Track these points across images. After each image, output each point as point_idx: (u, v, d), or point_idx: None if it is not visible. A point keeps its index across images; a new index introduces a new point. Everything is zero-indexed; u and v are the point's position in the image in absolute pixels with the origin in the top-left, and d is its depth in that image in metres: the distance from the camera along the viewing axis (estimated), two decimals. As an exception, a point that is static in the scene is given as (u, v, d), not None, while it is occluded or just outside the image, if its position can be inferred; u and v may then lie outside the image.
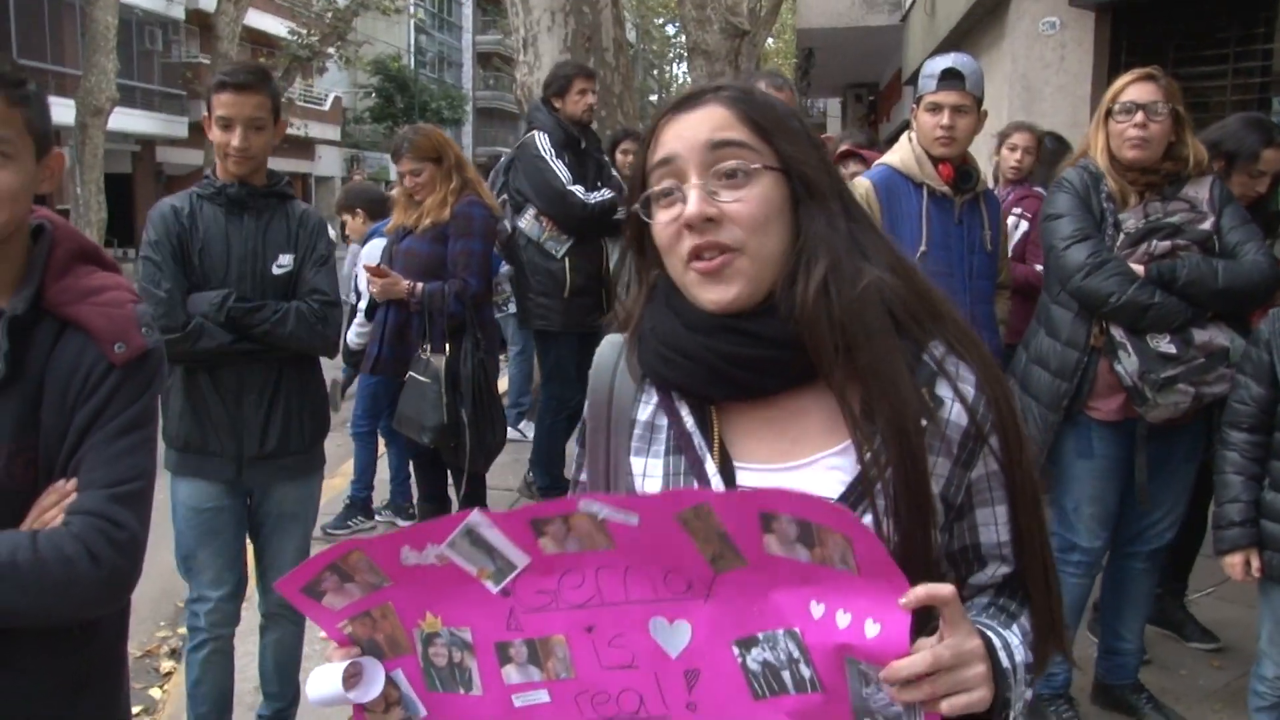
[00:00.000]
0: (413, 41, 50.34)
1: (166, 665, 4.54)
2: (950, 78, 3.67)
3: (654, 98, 54.45)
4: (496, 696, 1.26)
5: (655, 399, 1.38)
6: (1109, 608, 3.87)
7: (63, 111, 25.89)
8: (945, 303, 1.34)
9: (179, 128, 32.55)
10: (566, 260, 5.48)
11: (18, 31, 27.36)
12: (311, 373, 3.33)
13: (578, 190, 5.36)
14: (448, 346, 4.56)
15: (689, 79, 18.68)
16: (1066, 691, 3.75)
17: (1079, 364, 3.46)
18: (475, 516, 1.20)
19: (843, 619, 1.12)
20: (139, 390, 1.70)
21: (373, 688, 1.28)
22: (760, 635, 1.16)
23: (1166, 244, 3.34)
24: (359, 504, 6.12)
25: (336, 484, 6.64)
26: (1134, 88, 3.40)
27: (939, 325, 1.31)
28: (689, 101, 1.32)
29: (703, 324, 1.29)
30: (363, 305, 5.50)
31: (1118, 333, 3.37)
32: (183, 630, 4.81)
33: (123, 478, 1.65)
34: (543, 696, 1.25)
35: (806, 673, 1.14)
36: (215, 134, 3.12)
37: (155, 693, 4.30)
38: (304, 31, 31.00)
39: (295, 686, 3.54)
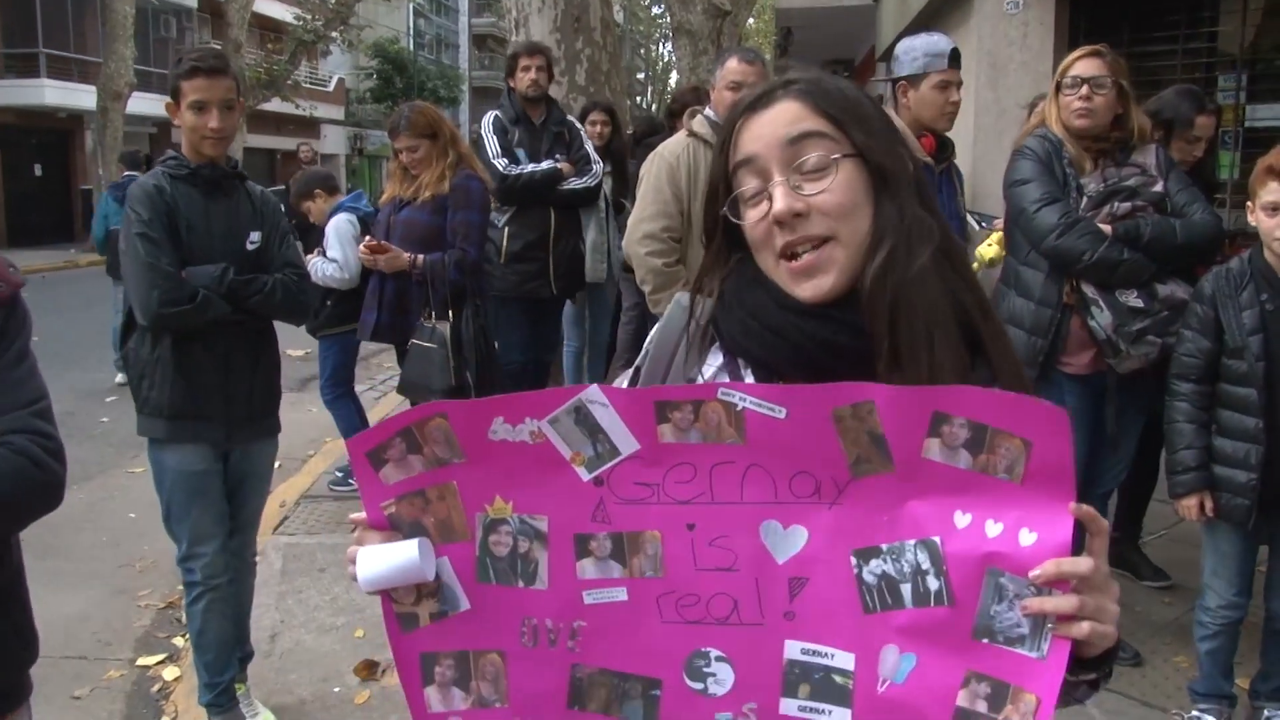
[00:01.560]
0: (411, 25, 49.79)
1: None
2: (955, 57, 3.71)
3: (641, 75, 54.07)
4: (564, 592, 1.14)
5: (719, 362, 1.30)
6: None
7: (85, 97, 25.77)
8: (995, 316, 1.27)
9: (193, 110, 32.17)
10: (506, 229, 5.44)
11: (43, 22, 27.00)
12: (275, 340, 3.39)
13: (499, 163, 5.33)
14: (450, 314, 4.54)
15: (674, 57, 18.56)
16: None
17: (1053, 321, 3.46)
18: (592, 391, 1.09)
19: (993, 529, 1.03)
20: (21, 321, 1.74)
21: (431, 568, 1.15)
22: (884, 547, 1.06)
23: (1127, 205, 3.38)
24: None
25: (341, 446, 6.61)
26: (1081, 63, 3.45)
27: (997, 346, 1.23)
28: (761, 100, 1.25)
29: (796, 304, 1.22)
30: (334, 273, 5.44)
31: (1089, 290, 3.39)
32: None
33: (35, 397, 1.70)
34: (619, 595, 1.13)
35: (934, 585, 1.04)
36: (188, 117, 3.09)
37: (178, 641, 4.29)
38: (309, 17, 30.62)
39: (246, 630, 3.62)
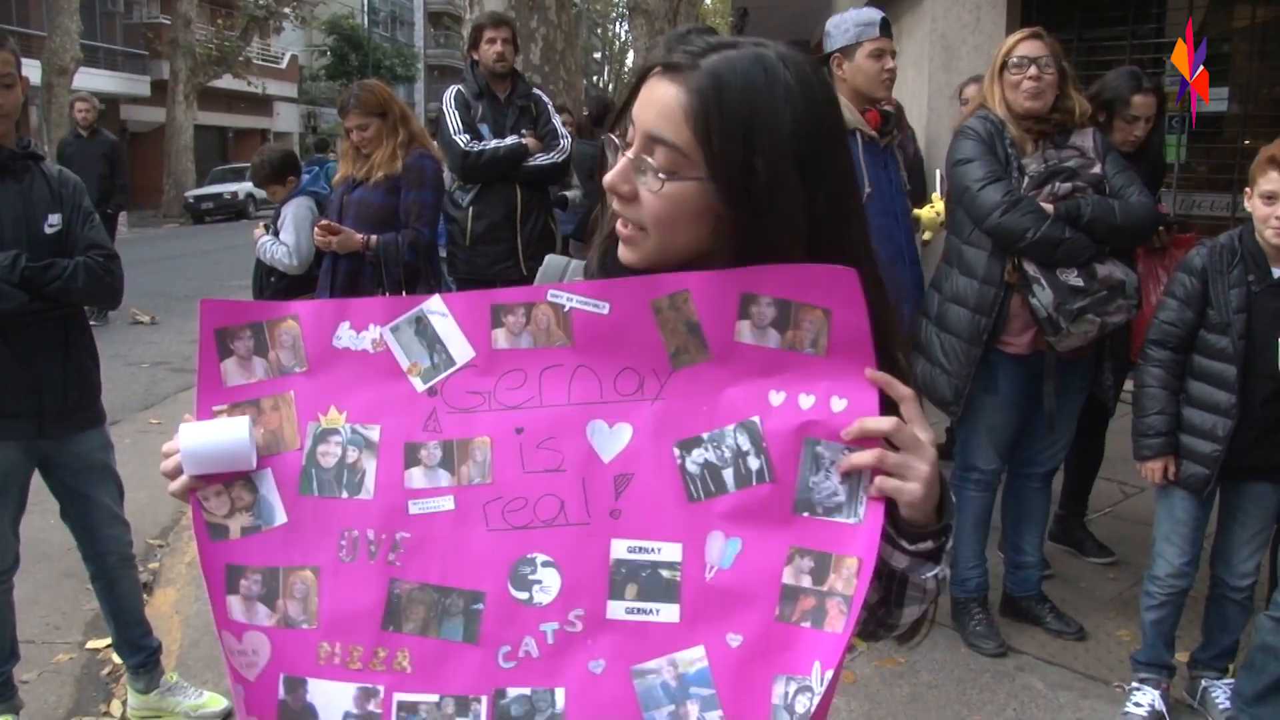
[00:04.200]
0: (366, 1, 49.17)
1: (139, 598, 4.48)
2: (886, 26, 3.74)
3: (597, 55, 53.80)
4: (389, 501, 1.13)
5: None
6: (1010, 526, 3.96)
7: (28, 72, 24.83)
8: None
9: (142, 86, 31.62)
10: (470, 209, 5.26)
11: (-18, -7, 26.36)
12: (87, 327, 3.20)
13: (460, 139, 5.13)
14: (403, 294, 4.51)
15: (631, 37, 18.49)
16: (982, 595, 3.84)
17: (995, 299, 3.50)
18: (433, 301, 1.12)
19: (805, 401, 1.10)
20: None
21: (254, 456, 1.14)
22: (705, 435, 1.11)
23: (1068, 186, 3.43)
24: None
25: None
26: (1024, 44, 3.51)
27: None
28: (670, 69, 1.14)
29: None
30: (282, 258, 5.34)
31: (1031, 268, 3.43)
32: (154, 565, 4.77)
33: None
34: (446, 504, 1.13)
35: (755, 464, 1.10)
36: None
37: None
38: (261, -8, 30.19)
39: (147, 624, 3.47)
